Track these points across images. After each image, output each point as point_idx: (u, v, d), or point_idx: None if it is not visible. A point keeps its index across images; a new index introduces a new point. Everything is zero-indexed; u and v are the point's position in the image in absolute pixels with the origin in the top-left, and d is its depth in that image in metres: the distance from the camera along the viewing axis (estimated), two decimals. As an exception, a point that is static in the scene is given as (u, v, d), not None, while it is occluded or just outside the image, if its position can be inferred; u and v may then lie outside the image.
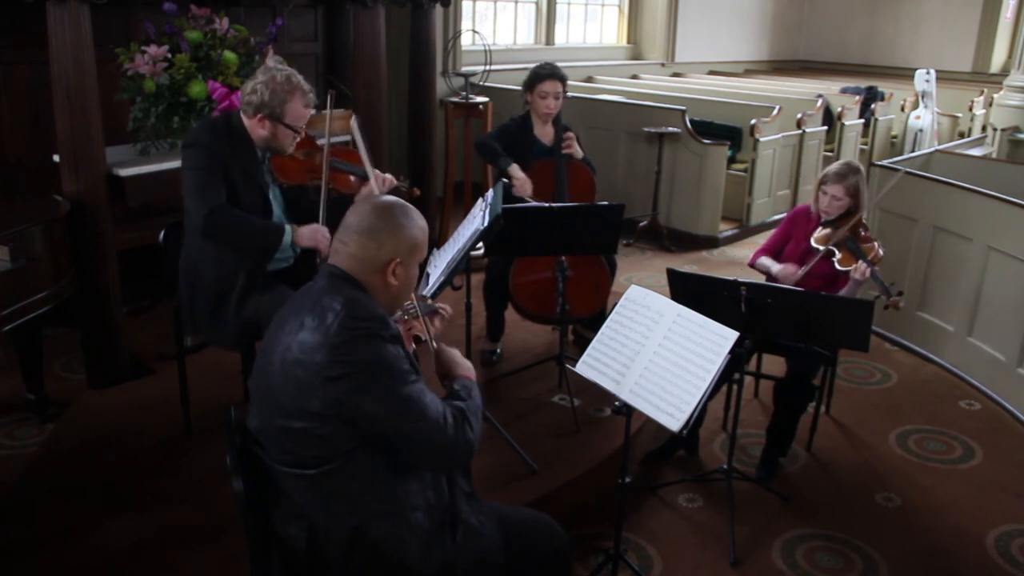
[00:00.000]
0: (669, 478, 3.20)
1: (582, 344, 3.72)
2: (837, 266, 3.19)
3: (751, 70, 10.61)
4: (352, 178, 3.01)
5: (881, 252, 3.23)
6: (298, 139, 2.87)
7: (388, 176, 3.09)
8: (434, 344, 2.02)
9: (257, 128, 2.80)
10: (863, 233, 3.28)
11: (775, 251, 3.49)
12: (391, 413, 1.67)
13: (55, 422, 3.30)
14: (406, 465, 1.77)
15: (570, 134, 3.84)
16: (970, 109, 8.45)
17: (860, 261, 3.14)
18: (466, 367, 1.99)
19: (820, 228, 3.31)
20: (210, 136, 2.79)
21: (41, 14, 3.10)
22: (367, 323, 1.68)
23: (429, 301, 2.16)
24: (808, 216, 3.41)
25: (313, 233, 2.82)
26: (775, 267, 3.36)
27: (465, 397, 1.88)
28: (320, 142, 2.96)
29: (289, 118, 2.78)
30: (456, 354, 2.02)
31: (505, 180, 3.70)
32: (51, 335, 3.67)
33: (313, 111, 2.88)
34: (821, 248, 3.23)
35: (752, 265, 3.50)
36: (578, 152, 3.86)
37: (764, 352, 3.51)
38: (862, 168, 3.36)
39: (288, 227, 2.81)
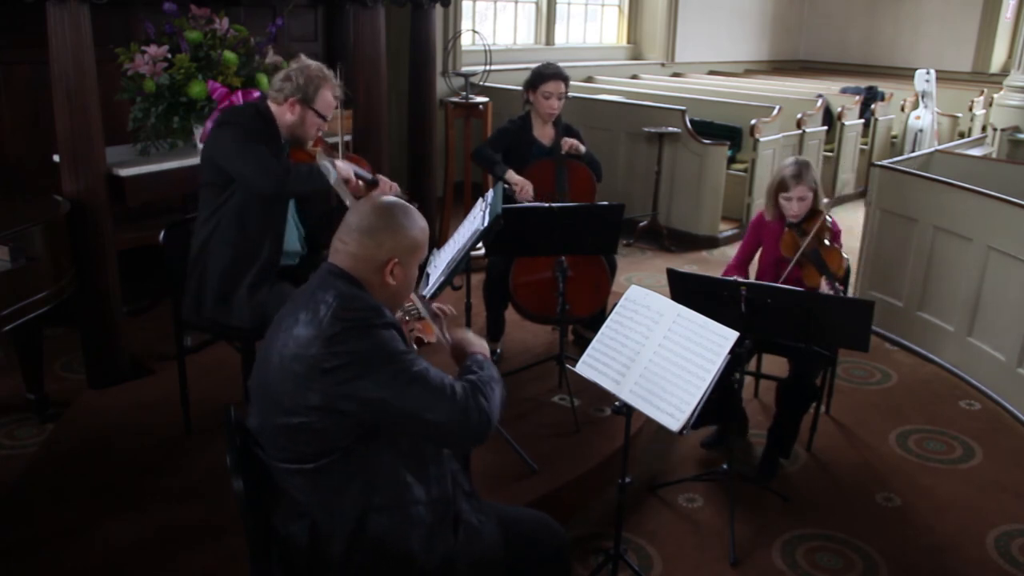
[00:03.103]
0: (669, 478, 3.20)
1: (582, 344, 3.72)
2: (805, 281, 3.16)
3: (751, 70, 10.61)
4: (360, 183, 3.03)
5: (846, 261, 3.22)
6: (323, 129, 2.97)
7: (395, 184, 3.15)
8: (447, 338, 2.01)
9: (286, 113, 2.87)
10: (827, 240, 3.22)
11: (746, 262, 3.47)
12: (393, 394, 1.65)
13: (55, 422, 3.30)
14: (406, 458, 1.77)
15: (568, 139, 3.84)
16: (970, 109, 8.45)
17: (823, 280, 3.11)
18: (478, 345, 1.98)
19: (786, 231, 3.26)
20: (247, 118, 2.86)
21: (41, 14, 3.10)
22: (360, 313, 1.69)
23: (434, 305, 2.17)
24: (770, 223, 3.36)
25: (348, 169, 2.90)
26: None
27: (476, 370, 1.86)
28: (332, 140, 3.03)
29: (319, 104, 2.88)
30: (468, 335, 2.01)
31: (506, 186, 3.70)
32: (51, 335, 3.67)
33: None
34: (790, 257, 3.19)
35: None
36: (580, 148, 3.86)
37: (764, 352, 3.51)
38: (808, 160, 3.33)
39: (329, 167, 2.83)
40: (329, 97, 2.90)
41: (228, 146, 2.80)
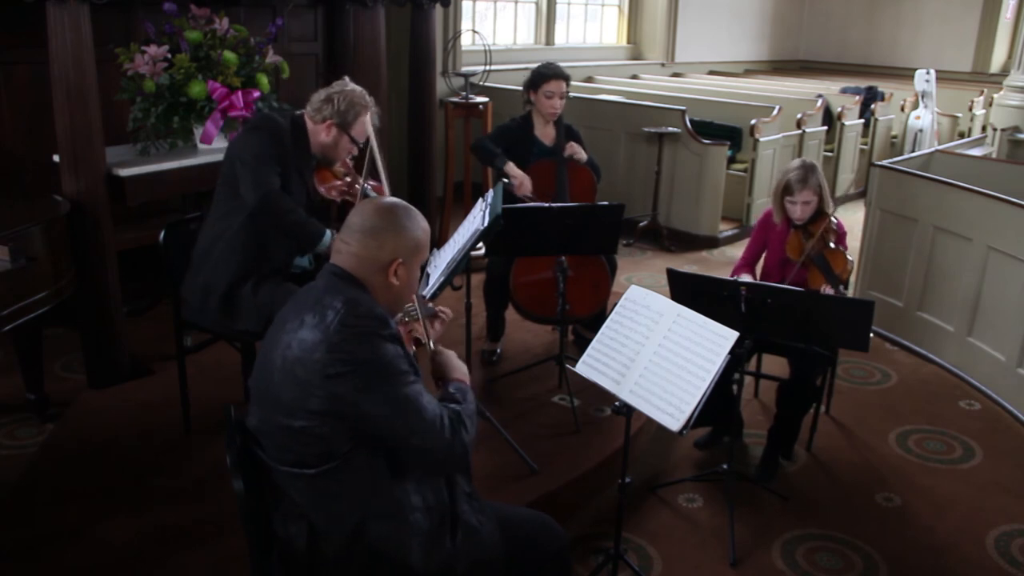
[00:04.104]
0: (669, 478, 3.20)
1: (582, 344, 3.73)
2: (809, 284, 3.19)
3: (751, 70, 10.61)
4: None
5: (851, 264, 3.23)
6: (354, 154, 2.99)
7: None
8: (432, 346, 2.02)
9: (321, 134, 2.89)
10: (832, 243, 3.23)
11: (754, 261, 3.49)
12: (389, 414, 1.67)
13: (55, 422, 3.30)
14: (405, 465, 1.78)
15: (572, 144, 3.84)
16: (970, 109, 8.45)
17: (827, 285, 3.12)
18: (461, 371, 1.99)
19: (792, 232, 3.28)
20: (278, 129, 2.86)
21: (41, 14, 3.10)
22: (367, 321, 1.69)
23: (430, 304, 2.16)
24: (777, 223, 3.38)
25: None
26: None
27: (460, 400, 1.88)
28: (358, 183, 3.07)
29: (355, 131, 2.90)
30: (452, 357, 2.02)
31: (505, 180, 3.70)
32: (51, 335, 3.66)
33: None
34: (795, 259, 3.22)
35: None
36: (582, 156, 3.86)
37: (764, 352, 3.51)
38: (814, 162, 3.33)
39: (328, 232, 2.84)
40: (366, 124, 2.93)
41: (246, 149, 2.82)
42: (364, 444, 1.71)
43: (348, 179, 3.07)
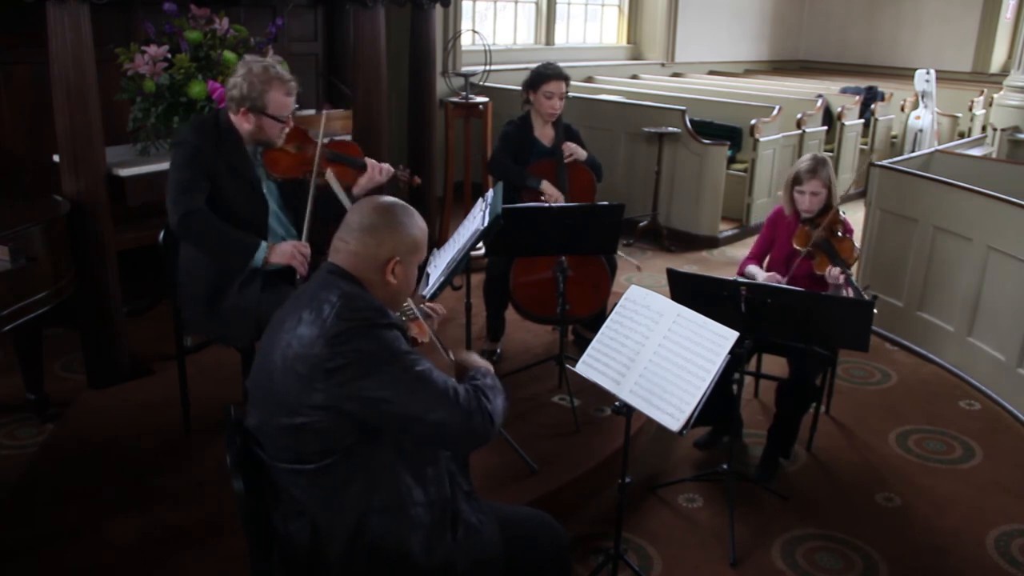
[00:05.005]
0: (669, 478, 3.20)
1: (582, 344, 3.72)
2: (815, 270, 3.22)
3: (751, 70, 10.61)
4: (349, 169, 3.00)
5: (857, 251, 3.27)
6: (286, 130, 2.86)
7: (385, 165, 3.05)
8: (450, 356, 2.01)
9: (242, 122, 2.79)
10: (839, 232, 3.27)
11: (762, 256, 3.50)
12: (398, 395, 1.66)
13: (55, 422, 3.30)
14: (406, 460, 1.77)
15: (570, 144, 3.84)
16: (970, 109, 8.46)
17: (833, 267, 3.15)
18: (482, 364, 1.99)
19: (800, 226, 3.32)
20: (195, 134, 2.78)
21: (41, 14, 3.10)
22: (364, 313, 1.69)
23: (425, 304, 2.17)
24: (786, 217, 3.42)
25: (291, 250, 2.73)
26: (760, 276, 3.36)
27: (479, 378, 1.87)
28: (313, 134, 2.95)
29: (272, 108, 2.76)
30: (472, 356, 2.02)
31: (541, 196, 3.71)
32: (51, 335, 3.66)
33: (296, 104, 2.85)
34: (801, 249, 3.24)
35: (740, 274, 3.48)
36: (581, 155, 3.86)
37: (764, 352, 3.51)
38: (826, 157, 3.37)
39: (264, 244, 2.74)
40: (280, 98, 2.76)
41: (170, 170, 2.77)
42: (367, 438, 1.70)
43: (302, 151, 2.91)
